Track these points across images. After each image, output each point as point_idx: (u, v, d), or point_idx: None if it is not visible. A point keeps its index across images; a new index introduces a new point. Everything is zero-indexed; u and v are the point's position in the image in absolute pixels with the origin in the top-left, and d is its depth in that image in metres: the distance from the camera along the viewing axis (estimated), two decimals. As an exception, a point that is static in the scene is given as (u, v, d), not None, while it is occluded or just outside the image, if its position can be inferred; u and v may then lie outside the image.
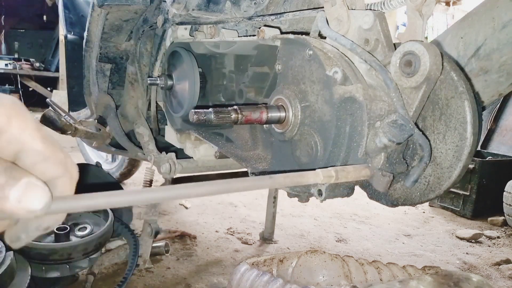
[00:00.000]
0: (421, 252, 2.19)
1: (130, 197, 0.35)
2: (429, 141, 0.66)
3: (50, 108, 1.57)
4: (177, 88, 1.27)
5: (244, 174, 1.51)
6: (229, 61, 1.16)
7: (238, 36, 1.05)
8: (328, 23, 0.76)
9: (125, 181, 2.87)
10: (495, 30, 0.71)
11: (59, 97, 2.02)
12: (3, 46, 7.05)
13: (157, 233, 1.58)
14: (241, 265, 1.19)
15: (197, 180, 1.67)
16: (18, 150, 0.32)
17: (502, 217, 2.69)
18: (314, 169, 0.54)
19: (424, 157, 0.65)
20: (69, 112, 1.84)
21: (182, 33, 1.22)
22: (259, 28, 0.89)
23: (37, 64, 6.53)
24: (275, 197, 2.10)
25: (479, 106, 0.65)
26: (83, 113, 1.78)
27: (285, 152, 0.84)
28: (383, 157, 0.66)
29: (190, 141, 1.30)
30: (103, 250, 1.57)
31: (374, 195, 0.73)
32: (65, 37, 1.89)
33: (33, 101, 6.44)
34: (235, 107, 0.80)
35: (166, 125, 1.40)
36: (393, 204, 0.72)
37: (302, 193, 0.78)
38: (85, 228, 1.47)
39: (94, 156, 2.94)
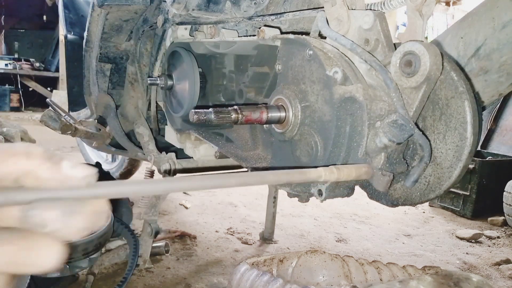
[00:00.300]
0: (421, 252, 2.19)
1: (131, 187, 0.35)
2: (429, 141, 0.66)
3: (50, 108, 1.57)
4: (177, 88, 1.27)
5: (244, 174, 1.51)
6: (229, 61, 1.16)
7: (238, 36, 1.05)
8: (328, 23, 0.76)
9: (125, 181, 2.86)
10: (495, 30, 0.71)
11: (59, 97, 2.03)
12: (3, 46, 7.06)
13: (157, 233, 1.58)
14: (241, 265, 1.19)
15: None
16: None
17: (502, 217, 2.69)
18: (316, 167, 0.54)
19: (424, 157, 0.65)
20: (69, 112, 1.83)
21: (182, 33, 1.22)
22: (259, 28, 0.89)
23: (37, 64, 6.55)
24: (275, 197, 2.10)
25: (479, 106, 0.65)
26: (83, 113, 1.78)
27: (285, 152, 0.84)
28: (383, 157, 0.66)
29: (190, 141, 1.30)
30: (103, 250, 1.56)
31: (374, 195, 0.74)
32: (65, 37, 1.89)
33: (33, 101, 6.46)
34: (235, 107, 0.80)
35: (166, 125, 1.40)
36: (393, 204, 0.72)
37: (302, 193, 0.78)
38: (85, 228, 1.46)
39: (94, 156, 2.94)
